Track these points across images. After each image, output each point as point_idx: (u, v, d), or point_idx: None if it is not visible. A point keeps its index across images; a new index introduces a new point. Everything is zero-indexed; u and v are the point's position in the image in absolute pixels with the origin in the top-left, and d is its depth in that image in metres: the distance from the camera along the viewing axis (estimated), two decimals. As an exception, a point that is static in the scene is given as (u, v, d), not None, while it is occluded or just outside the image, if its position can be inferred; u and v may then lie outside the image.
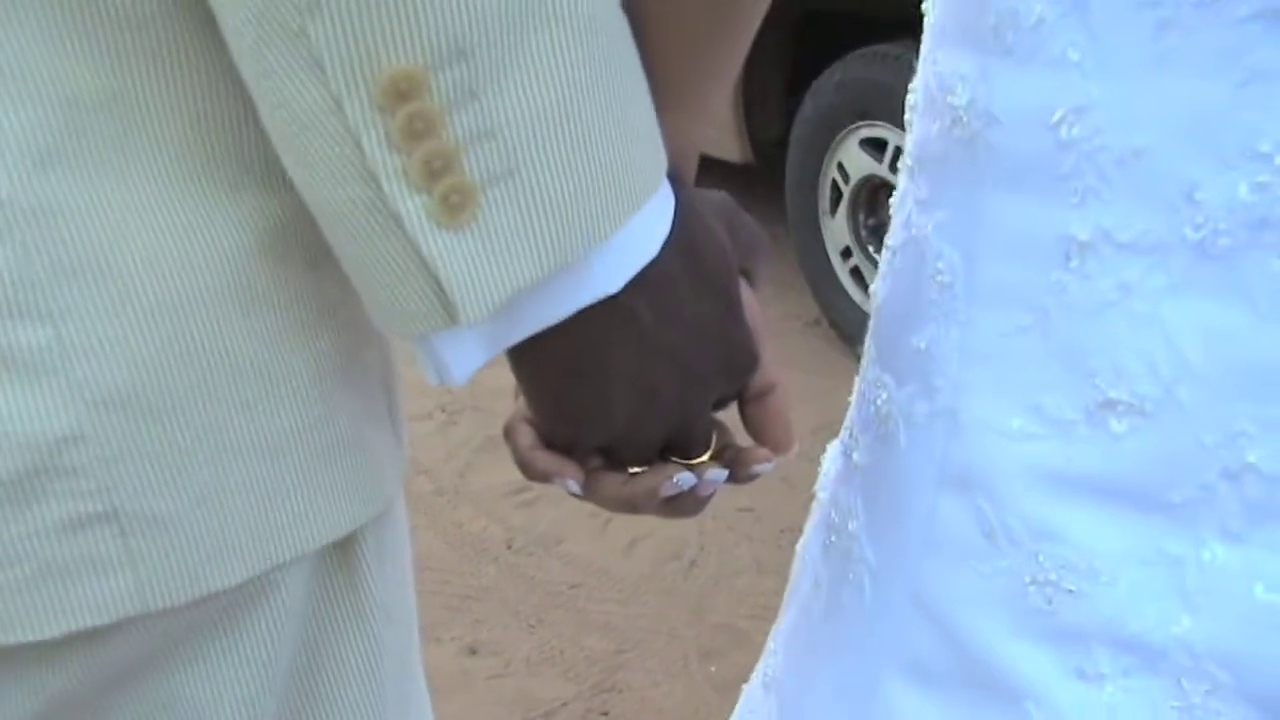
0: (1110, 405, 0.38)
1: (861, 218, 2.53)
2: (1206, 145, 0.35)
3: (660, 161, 0.41)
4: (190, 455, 0.41)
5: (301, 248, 0.42)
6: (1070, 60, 0.37)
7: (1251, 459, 0.36)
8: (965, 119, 0.41)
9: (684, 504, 0.48)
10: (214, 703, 0.47)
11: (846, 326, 2.47)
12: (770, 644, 0.57)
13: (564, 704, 1.69)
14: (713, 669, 1.74)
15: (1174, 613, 0.37)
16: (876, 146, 2.42)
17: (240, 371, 0.41)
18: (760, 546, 1.98)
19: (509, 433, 0.48)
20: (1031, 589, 0.40)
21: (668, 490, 0.46)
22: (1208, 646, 0.37)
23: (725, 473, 0.48)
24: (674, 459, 0.48)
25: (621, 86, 0.39)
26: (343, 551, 0.48)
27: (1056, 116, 0.38)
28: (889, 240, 0.49)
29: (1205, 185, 0.35)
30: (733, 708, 0.61)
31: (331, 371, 0.44)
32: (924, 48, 0.45)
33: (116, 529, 0.40)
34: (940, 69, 0.43)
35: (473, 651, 1.80)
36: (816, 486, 0.56)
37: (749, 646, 1.77)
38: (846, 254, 2.57)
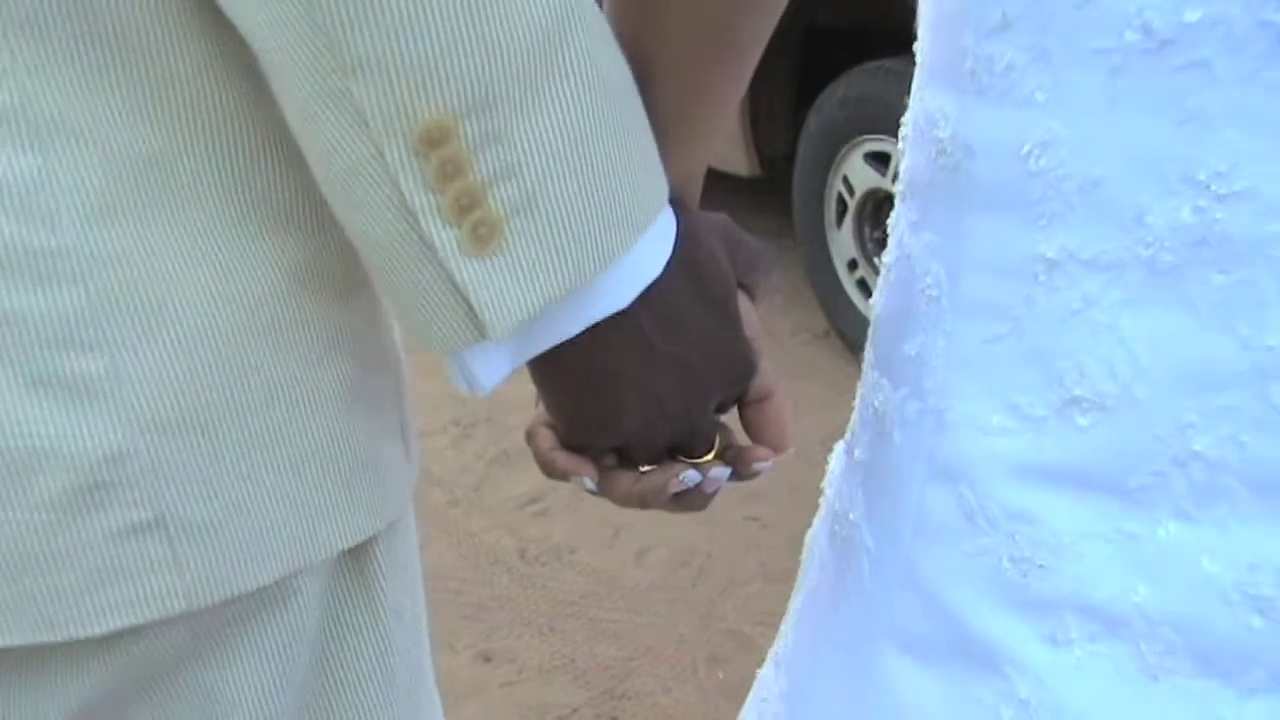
0: (1076, 402, 0.41)
1: (867, 230, 2.51)
2: (1153, 175, 0.38)
3: (662, 188, 0.44)
4: (228, 469, 0.44)
5: (324, 283, 0.46)
6: (1037, 101, 0.40)
7: (1198, 448, 0.39)
8: (948, 150, 0.44)
9: (691, 500, 0.51)
10: (240, 695, 0.49)
11: (853, 337, 2.46)
12: (782, 627, 0.61)
13: (575, 710, 1.70)
14: (721, 675, 1.74)
15: (1133, 583, 0.40)
16: (880, 160, 2.40)
17: (270, 395, 0.45)
18: (767, 554, 1.98)
19: (531, 436, 0.51)
20: (1008, 565, 0.42)
21: (675, 487, 0.49)
22: (1162, 613, 0.40)
23: (728, 470, 0.51)
24: (681, 458, 0.51)
25: (624, 124, 0.42)
26: (356, 557, 0.51)
27: (1025, 150, 0.40)
28: (885, 257, 0.51)
29: (1153, 210, 0.38)
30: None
31: (350, 393, 0.47)
32: (914, 86, 0.48)
33: (163, 535, 0.44)
34: (927, 105, 0.46)
35: (486, 659, 1.81)
36: (823, 484, 0.58)
37: (757, 652, 1.77)
38: (853, 266, 2.55)
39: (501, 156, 0.39)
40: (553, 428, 0.51)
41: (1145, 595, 0.40)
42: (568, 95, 0.39)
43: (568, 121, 0.40)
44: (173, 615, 0.45)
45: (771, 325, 2.77)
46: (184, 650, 0.48)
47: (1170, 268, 0.38)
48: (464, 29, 0.37)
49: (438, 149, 0.38)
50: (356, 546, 0.50)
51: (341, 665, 0.53)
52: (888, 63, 2.35)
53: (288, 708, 0.52)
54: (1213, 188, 0.37)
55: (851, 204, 2.52)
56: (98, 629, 0.44)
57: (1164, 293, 0.39)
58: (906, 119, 0.49)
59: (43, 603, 0.43)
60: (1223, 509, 0.39)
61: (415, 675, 0.57)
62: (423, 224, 0.39)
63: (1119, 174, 0.39)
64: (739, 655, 1.77)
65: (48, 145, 0.40)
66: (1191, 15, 0.36)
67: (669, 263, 0.46)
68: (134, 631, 0.45)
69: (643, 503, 0.51)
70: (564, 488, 2.31)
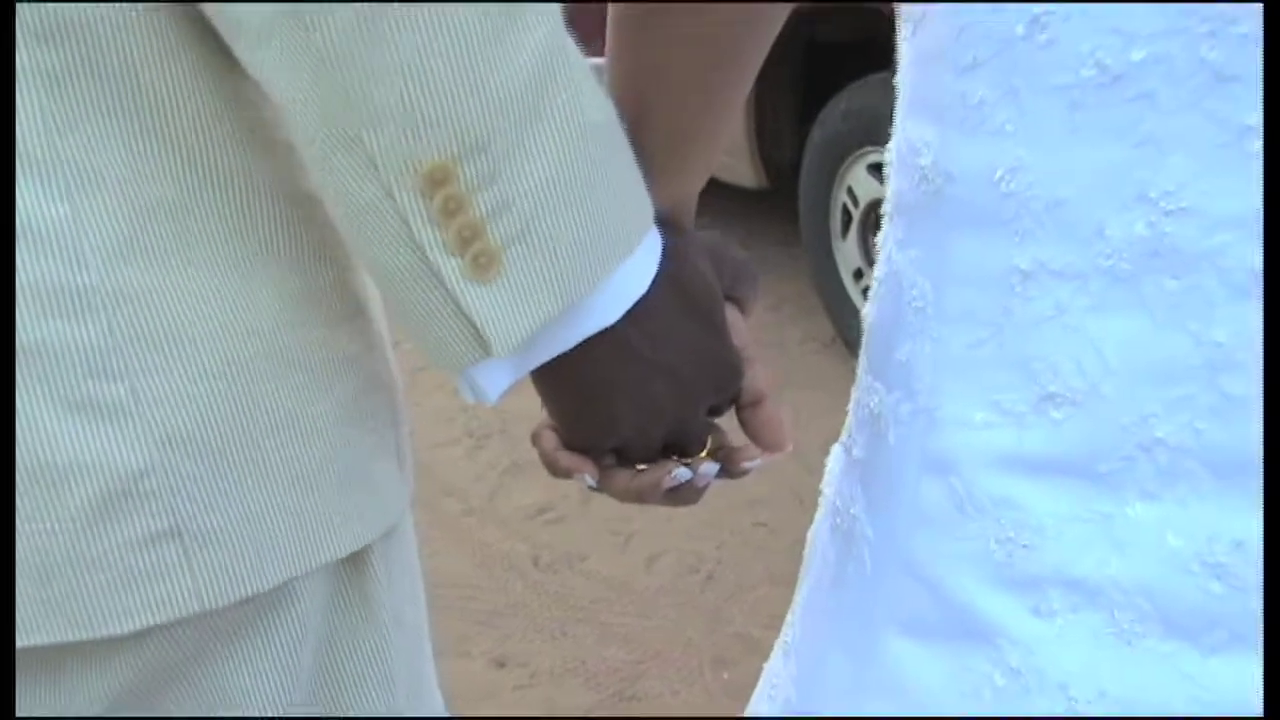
0: (1050, 398, 0.44)
1: (871, 240, 2.47)
2: (1111, 194, 0.42)
3: (645, 214, 0.48)
4: (237, 484, 0.48)
5: (323, 314, 0.50)
6: (1006, 131, 0.44)
7: (1160, 434, 0.42)
8: (930, 177, 0.47)
9: (684, 494, 0.55)
10: (250, 692, 0.53)
11: (860, 345, 2.50)
12: (788, 618, 0.64)
13: (586, 712, 1.73)
14: (727, 676, 1.77)
15: (1106, 558, 0.44)
16: (884, 171, 2.44)
17: (275, 416, 0.49)
18: (773, 559, 2.00)
19: (536, 438, 0.55)
20: (995, 547, 0.45)
21: (668, 483, 0.53)
22: (1133, 583, 0.43)
23: (717, 467, 0.54)
24: (675, 457, 0.55)
25: (608, 159, 0.46)
26: (355, 565, 0.55)
27: (998, 175, 0.44)
28: (875, 272, 0.55)
29: (1111, 224, 0.42)
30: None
31: (347, 415, 0.51)
32: (896, 117, 0.52)
33: (179, 543, 0.48)
34: (909, 135, 0.50)
35: (500, 664, 1.83)
36: (823, 484, 0.61)
37: (763, 654, 1.77)
38: (859, 275, 2.55)
39: (497, 194, 0.43)
40: (556, 430, 0.55)
41: (1118, 568, 0.44)
42: (555, 137, 0.44)
43: (556, 160, 0.44)
44: (187, 616, 0.49)
45: (780, 334, 2.78)
46: (201, 648, 0.52)
47: (1129, 275, 0.42)
48: (460, 83, 0.41)
49: (440, 188, 0.42)
50: (355, 555, 0.54)
51: (342, 667, 0.56)
52: (889, 76, 2.36)
53: (296, 701, 0.55)
54: (1162, 204, 0.41)
55: (856, 214, 2.53)
56: (121, 629, 0.48)
57: (1124, 298, 0.42)
58: (890, 146, 0.53)
59: (71, 604, 0.47)
60: (1183, 488, 0.43)
61: (416, 680, 0.61)
62: (429, 255, 0.43)
63: (1080, 194, 0.43)
64: (745, 658, 1.79)
65: (76, 193, 0.44)
66: (1137, 54, 0.41)
67: (657, 280, 0.49)
68: (152, 632, 0.49)
69: (640, 498, 0.55)
70: (575, 497, 2.34)
